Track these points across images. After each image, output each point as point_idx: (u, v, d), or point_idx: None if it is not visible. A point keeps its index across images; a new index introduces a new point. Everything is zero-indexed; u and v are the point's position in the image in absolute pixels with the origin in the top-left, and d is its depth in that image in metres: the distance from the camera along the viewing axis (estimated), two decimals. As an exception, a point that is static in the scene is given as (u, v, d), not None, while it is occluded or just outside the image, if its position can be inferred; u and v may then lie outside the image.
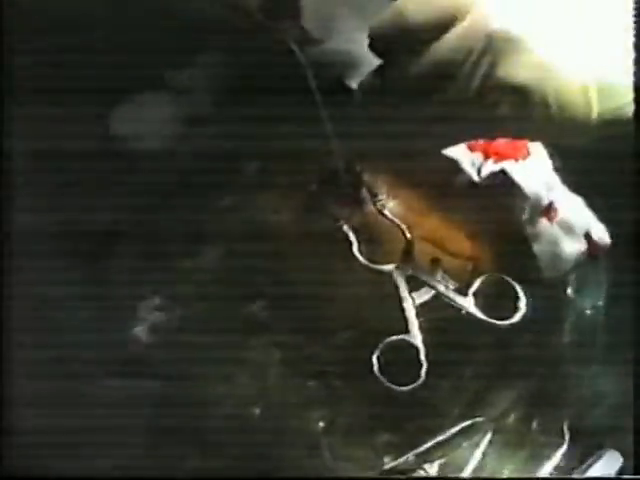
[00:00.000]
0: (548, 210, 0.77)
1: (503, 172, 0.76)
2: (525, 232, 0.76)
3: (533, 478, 0.77)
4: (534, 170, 0.77)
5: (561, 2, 0.60)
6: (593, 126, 0.59)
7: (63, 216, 0.76)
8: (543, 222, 0.77)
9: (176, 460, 0.72)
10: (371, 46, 0.63)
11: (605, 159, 0.78)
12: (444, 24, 0.60)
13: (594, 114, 0.59)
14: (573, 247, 0.78)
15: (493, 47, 0.58)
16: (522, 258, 0.76)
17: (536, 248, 0.76)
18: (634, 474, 0.69)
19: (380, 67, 0.64)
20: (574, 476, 0.76)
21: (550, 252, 0.77)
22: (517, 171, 0.76)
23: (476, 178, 0.76)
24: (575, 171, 0.79)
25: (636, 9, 0.60)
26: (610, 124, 0.60)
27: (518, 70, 0.58)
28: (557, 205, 0.77)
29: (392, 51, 0.62)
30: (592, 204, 0.79)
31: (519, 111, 0.59)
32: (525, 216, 0.76)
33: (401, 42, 0.61)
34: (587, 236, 0.78)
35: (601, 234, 0.78)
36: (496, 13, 0.59)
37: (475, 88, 0.59)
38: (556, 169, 0.79)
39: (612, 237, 0.79)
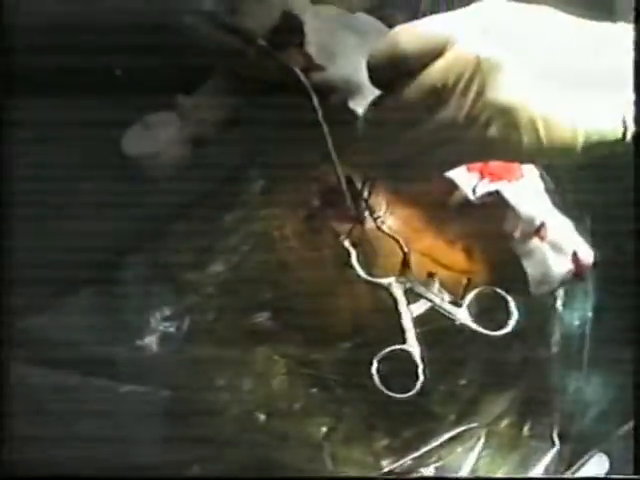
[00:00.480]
0: (539, 230, 0.79)
1: (497, 192, 0.78)
2: (516, 250, 0.78)
3: (528, 478, 0.80)
4: (527, 191, 0.79)
5: (546, 33, 0.62)
6: (580, 148, 0.61)
7: (73, 227, 0.78)
8: (534, 241, 0.79)
9: (181, 464, 0.75)
10: (370, 77, 0.65)
11: (594, 180, 0.81)
12: (435, 51, 0.62)
13: (581, 136, 0.61)
14: (561, 266, 0.79)
15: (482, 70, 0.60)
16: (513, 274, 0.79)
17: (526, 265, 0.79)
18: (634, 474, 0.70)
19: (379, 97, 0.66)
20: (567, 476, 0.79)
21: (539, 270, 0.79)
22: (510, 192, 0.78)
23: (471, 197, 0.78)
24: (564, 191, 0.82)
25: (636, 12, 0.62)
26: (597, 145, 0.61)
27: (506, 91, 0.60)
28: (548, 225, 0.79)
29: (389, 79, 0.64)
30: (579, 223, 0.81)
31: (508, 132, 0.61)
32: (517, 234, 0.78)
33: (396, 70, 0.63)
34: (574, 256, 0.80)
35: (587, 255, 0.80)
36: (484, 39, 0.61)
37: (466, 111, 0.61)
38: (547, 190, 0.82)
39: (600, 251, 0.81)
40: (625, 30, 0.62)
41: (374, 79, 0.65)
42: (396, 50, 0.62)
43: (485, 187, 0.78)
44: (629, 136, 0.60)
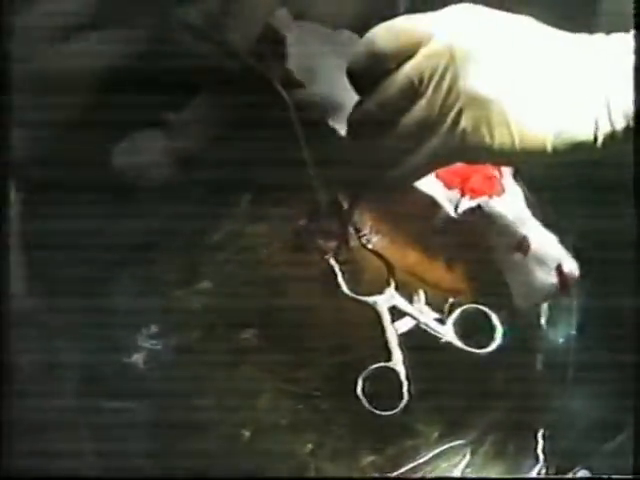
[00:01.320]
0: (522, 244, 0.79)
1: (479, 208, 0.79)
2: (499, 264, 0.79)
3: (527, 478, 0.80)
4: (508, 206, 0.80)
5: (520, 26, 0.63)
6: (552, 149, 0.62)
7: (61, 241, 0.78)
8: (517, 255, 0.79)
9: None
10: (350, 80, 0.67)
11: (578, 195, 0.82)
12: (412, 48, 0.63)
13: (552, 136, 0.61)
14: (545, 279, 0.80)
15: (455, 60, 0.62)
16: (497, 290, 0.79)
17: (509, 280, 0.79)
18: (634, 474, 0.71)
19: (358, 102, 0.68)
20: (567, 476, 0.80)
21: (523, 284, 0.79)
22: (492, 207, 0.79)
23: (454, 214, 0.79)
24: (546, 205, 0.83)
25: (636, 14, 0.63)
26: (569, 148, 0.62)
27: (478, 81, 0.61)
28: (530, 239, 0.79)
29: (368, 80, 0.66)
30: (561, 234, 0.81)
31: (479, 125, 0.61)
32: (499, 249, 0.79)
33: (375, 70, 0.65)
34: (558, 269, 0.80)
35: (571, 267, 0.80)
36: (458, 33, 0.62)
37: (439, 104, 0.62)
38: (530, 204, 0.82)
39: (583, 267, 0.81)
40: (601, 41, 0.63)
41: (354, 81, 0.66)
42: (374, 49, 0.64)
43: (467, 204, 0.79)
44: (600, 141, 0.61)
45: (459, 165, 0.77)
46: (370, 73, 0.65)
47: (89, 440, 0.74)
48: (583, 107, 0.61)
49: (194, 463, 0.75)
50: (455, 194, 0.80)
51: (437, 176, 0.79)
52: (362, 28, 0.68)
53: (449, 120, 0.62)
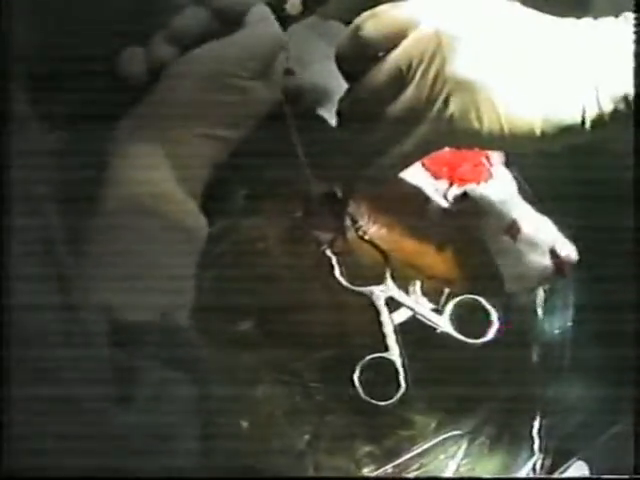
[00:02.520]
0: (511, 228, 0.80)
1: (466, 195, 0.79)
2: (490, 249, 0.80)
3: (519, 478, 0.81)
4: (497, 191, 0.80)
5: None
6: (540, 133, 0.62)
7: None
8: (506, 239, 0.80)
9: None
10: (339, 67, 0.67)
11: (572, 179, 0.83)
12: (399, 34, 0.64)
13: (539, 120, 0.62)
14: (537, 263, 0.80)
15: (442, 45, 0.62)
16: (493, 278, 0.80)
17: (500, 264, 0.80)
18: (634, 474, 0.71)
19: (347, 90, 0.68)
20: (556, 476, 0.80)
21: (514, 268, 0.80)
22: (480, 193, 0.80)
23: (444, 204, 0.80)
24: (541, 192, 0.83)
25: (636, 11, 0.62)
26: (557, 132, 0.62)
27: (465, 66, 0.62)
28: (520, 223, 0.80)
29: (356, 67, 0.66)
30: (560, 221, 0.82)
31: (467, 110, 0.62)
32: (488, 234, 0.79)
33: (362, 57, 0.65)
34: (553, 252, 0.80)
35: (567, 251, 0.80)
36: (445, 18, 0.63)
37: (427, 90, 0.63)
38: (522, 189, 0.83)
39: (580, 258, 0.81)
40: (589, 25, 0.63)
41: (343, 69, 0.67)
42: (361, 36, 0.65)
43: (454, 192, 0.79)
44: (588, 125, 0.61)
45: (447, 155, 0.78)
46: (358, 60, 0.66)
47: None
48: (570, 91, 0.61)
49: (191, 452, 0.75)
50: (444, 184, 0.80)
51: (425, 167, 0.80)
52: (353, 19, 0.68)
53: (437, 106, 0.63)
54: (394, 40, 0.64)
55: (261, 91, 0.66)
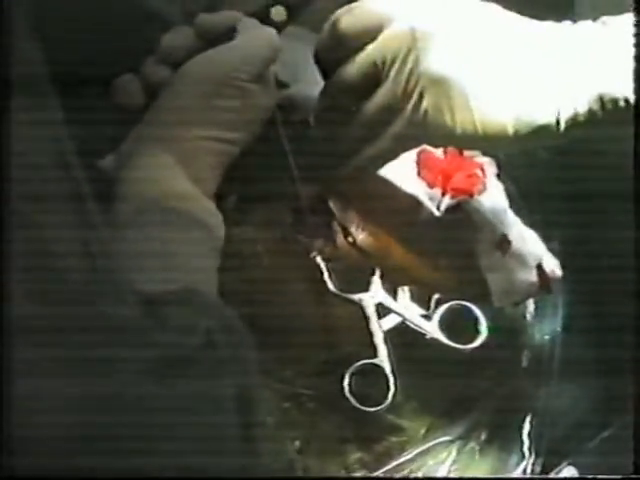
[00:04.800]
0: (502, 243, 0.79)
1: (460, 207, 0.79)
2: (480, 263, 0.79)
3: (513, 478, 0.81)
4: (489, 204, 0.79)
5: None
6: (512, 132, 0.61)
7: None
8: (496, 254, 0.79)
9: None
10: (316, 62, 0.67)
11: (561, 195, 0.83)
12: (374, 30, 0.63)
13: (513, 119, 0.61)
14: (524, 278, 0.79)
15: (417, 43, 0.61)
16: (478, 287, 0.79)
17: (489, 278, 0.79)
18: (634, 474, 0.71)
19: (324, 86, 0.68)
20: (551, 475, 0.80)
21: (503, 283, 0.79)
22: (472, 205, 0.79)
23: (436, 213, 0.80)
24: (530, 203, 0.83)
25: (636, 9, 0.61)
26: (530, 133, 0.61)
27: (439, 62, 0.61)
28: (510, 238, 0.79)
29: (332, 62, 0.66)
30: (546, 235, 0.82)
31: (441, 106, 0.61)
32: (479, 247, 0.79)
33: (338, 52, 0.65)
34: (539, 268, 0.80)
35: (553, 266, 0.80)
36: (420, 15, 0.62)
37: (402, 87, 0.62)
38: (513, 203, 0.83)
39: (567, 264, 0.81)
40: (567, 28, 0.63)
41: (320, 64, 0.67)
42: (336, 31, 0.65)
43: (448, 202, 0.79)
44: (562, 126, 0.62)
45: (442, 164, 0.78)
46: (334, 56, 0.66)
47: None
48: (545, 91, 0.61)
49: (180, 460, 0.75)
50: (437, 193, 0.80)
51: (419, 175, 0.80)
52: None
53: (412, 103, 0.62)
54: (369, 35, 0.64)
55: (260, 95, 0.66)
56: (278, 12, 0.68)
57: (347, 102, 0.66)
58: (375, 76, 0.64)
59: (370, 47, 0.64)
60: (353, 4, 0.65)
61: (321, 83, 0.69)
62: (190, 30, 0.66)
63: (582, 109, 0.60)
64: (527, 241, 0.80)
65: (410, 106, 0.63)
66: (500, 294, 0.79)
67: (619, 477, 0.72)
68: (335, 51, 0.66)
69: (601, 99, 0.60)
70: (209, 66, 0.64)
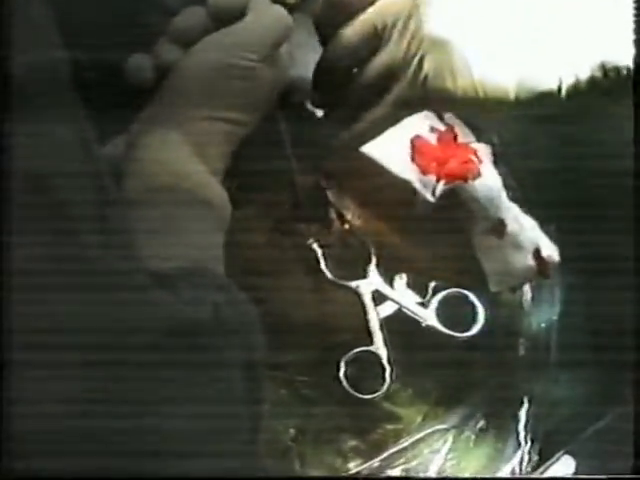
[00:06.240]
0: (497, 228, 0.79)
1: (454, 192, 0.79)
2: (475, 247, 0.79)
3: (510, 478, 0.81)
4: (484, 190, 0.80)
5: None
6: (514, 96, 0.61)
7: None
8: (492, 238, 0.79)
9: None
10: (315, 27, 0.67)
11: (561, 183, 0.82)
12: None
13: (514, 84, 0.61)
14: (521, 263, 0.80)
15: (419, 9, 0.62)
16: (474, 271, 0.80)
17: (484, 263, 0.79)
18: (634, 474, 0.71)
19: (323, 53, 0.67)
20: (545, 475, 0.80)
21: (498, 267, 0.79)
22: (467, 191, 0.79)
23: (431, 199, 0.79)
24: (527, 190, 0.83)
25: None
26: (531, 97, 0.61)
27: (441, 25, 0.61)
28: (506, 223, 0.80)
29: (331, 29, 0.66)
30: (543, 221, 0.82)
31: (442, 69, 0.61)
32: (475, 232, 0.79)
33: (338, 15, 0.65)
34: (536, 253, 0.80)
35: (550, 252, 0.80)
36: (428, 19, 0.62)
37: (404, 51, 0.62)
38: (509, 189, 0.83)
39: (565, 252, 0.81)
40: None
41: (319, 28, 0.67)
42: None
43: (442, 188, 0.79)
44: (564, 96, 0.61)
45: (436, 150, 0.78)
46: (333, 21, 0.66)
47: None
48: (547, 57, 0.61)
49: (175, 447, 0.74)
50: (431, 179, 0.80)
51: (413, 162, 0.80)
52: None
53: (412, 68, 0.62)
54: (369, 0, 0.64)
55: (270, 75, 0.65)
56: None
57: (346, 66, 0.66)
58: (375, 40, 0.64)
59: (370, 10, 0.64)
60: None
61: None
62: (202, 10, 0.66)
63: (584, 76, 0.60)
64: (524, 226, 0.80)
65: (411, 71, 0.62)
66: (496, 278, 0.79)
67: (619, 477, 0.72)
68: (333, 16, 0.65)
69: (603, 67, 0.59)
70: (219, 48, 0.64)
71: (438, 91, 0.62)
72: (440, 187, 0.79)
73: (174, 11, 0.67)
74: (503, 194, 0.80)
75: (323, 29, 0.67)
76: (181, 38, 0.65)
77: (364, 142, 0.70)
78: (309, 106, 0.73)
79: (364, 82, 0.65)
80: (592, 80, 0.60)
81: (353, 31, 0.65)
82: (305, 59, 0.73)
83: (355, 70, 0.66)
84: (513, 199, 0.81)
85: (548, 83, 0.61)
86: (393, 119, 0.68)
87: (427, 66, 0.62)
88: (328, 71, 0.68)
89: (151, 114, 0.64)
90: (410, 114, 0.69)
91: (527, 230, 0.80)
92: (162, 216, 0.61)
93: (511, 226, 0.80)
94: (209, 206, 0.63)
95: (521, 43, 0.61)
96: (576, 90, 0.61)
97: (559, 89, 0.61)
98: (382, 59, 0.64)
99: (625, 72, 0.59)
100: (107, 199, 0.53)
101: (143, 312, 0.52)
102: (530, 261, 0.80)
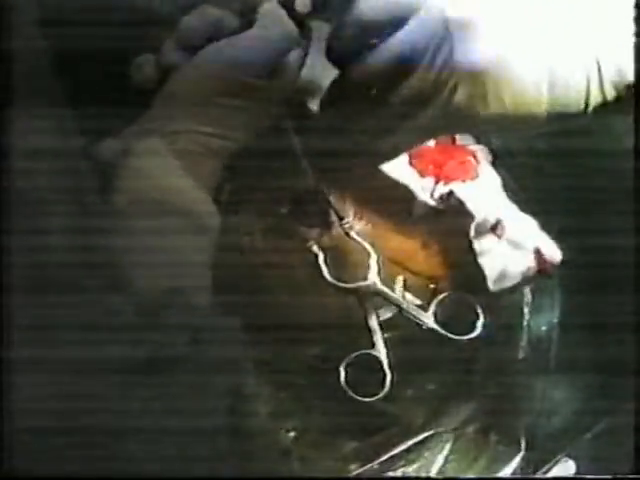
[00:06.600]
0: (496, 227, 0.80)
1: (452, 193, 0.79)
2: (474, 248, 0.79)
3: (510, 478, 0.80)
4: (482, 190, 0.80)
5: None
6: (544, 119, 0.62)
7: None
8: (491, 238, 0.79)
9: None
10: (330, 50, 0.65)
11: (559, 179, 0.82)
12: (401, 18, 0.62)
13: (545, 106, 0.61)
14: (521, 263, 0.80)
15: (450, 31, 0.61)
16: (473, 272, 0.79)
17: (483, 263, 0.79)
18: (634, 474, 0.71)
19: (339, 76, 0.66)
20: (547, 476, 0.80)
21: (497, 267, 0.79)
22: (465, 191, 0.79)
23: (431, 202, 0.80)
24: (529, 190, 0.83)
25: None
26: (562, 118, 0.62)
27: (474, 56, 0.61)
28: (505, 222, 0.80)
29: (351, 53, 0.64)
30: (545, 222, 0.82)
31: (474, 98, 0.61)
32: (472, 232, 0.79)
33: (360, 42, 0.63)
34: (537, 253, 0.80)
35: (551, 252, 0.80)
36: (451, 3, 0.61)
37: (434, 75, 0.61)
38: (509, 189, 0.83)
39: (565, 254, 0.81)
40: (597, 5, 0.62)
41: (336, 52, 0.65)
42: (359, 19, 0.62)
43: (440, 190, 0.79)
44: (590, 109, 0.61)
45: (433, 153, 0.79)
46: (354, 43, 0.64)
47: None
48: (575, 73, 0.61)
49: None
50: (429, 182, 0.80)
51: (411, 165, 0.80)
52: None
53: (444, 95, 0.62)
54: (395, 22, 0.62)
55: (271, 90, 0.64)
56: (303, 3, 0.65)
57: (367, 91, 0.64)
58: (403, 66, 0.62)
59: (398, 34, 0.62)
60: None
61: (316, 64, 0.67)
62: (211, 11, 0.65)
63: (610, 94, 0.60)
64: (523, 226, 0.80)
65: (443, 97, 0.62)
66: (495, 278, 0.79)
67: (618, 477, 0.72)
68: (356, 39, 0.63)
69: (628, 87, 0.60)
70: (218, 60, 0.62)
71: (469, 117, 0.62)
72: (439, 189, 0.79)
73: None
74: (502, 193, 0.80)
75: (340, 51, 0.65)
76: (186, 41, 0.64)
77: (383, 162, 0.70)
78: (310, 106, 0.72)
79: (391, 107, 0.64)
80: (617, 98, 0.60)
81: (379, 57, 0.63)
82: (308, 61, 0.73)
83: (374, 91, 0.64)
84: (513, 200, 0.82)
85: (575, 103, 0.61)
86: (417, 142, 0.68)
87: (460, 94, 0.61)
88: (345, 96, 0.66)
89: (147, 119, 0.63)
90: (433, 138, 0.68)
91: (527, 230, 0.81)
92: (146, 233, 0.60)
93: (510, 226, 0.80)
94: (197, 222, 0.62)
95: (551, 62, 0.61)
96: (602, 108, 0.61)
97: (586, 106, 0.61)
98: (411, 86, 0.62)
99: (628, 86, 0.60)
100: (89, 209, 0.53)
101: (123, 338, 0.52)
102: (530, 261, 0.80)
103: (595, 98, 0.61)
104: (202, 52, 0.63)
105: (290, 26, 0.65)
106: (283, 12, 0.65)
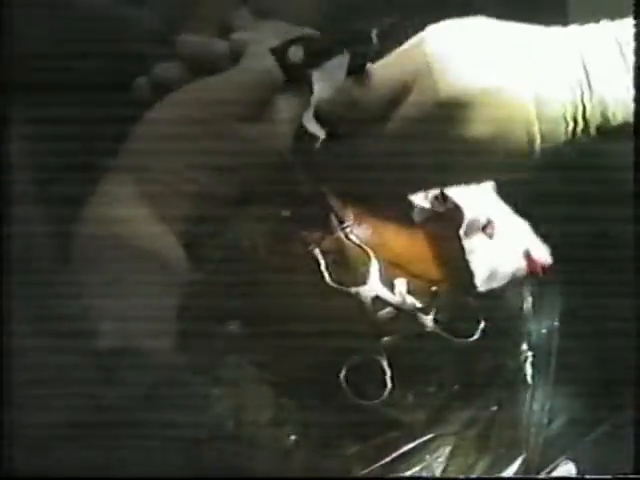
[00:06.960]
0: (486, 227, 0.80)
1: (443, 195, 0.80)
2: (463, 247, 0.80)
3: (511, 478, 0.80)
4: (472, 190, 0.80)
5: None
6: (537, 157, 0.62)
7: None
8: (480, 238, 0.80)
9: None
10: (318, 119, 0.64)
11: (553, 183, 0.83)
12: (393, 100, 0.62)
13: (537, 145, 0.61)
14: (510, 263, 0.81)
15: (445, 113, 0.60)
16: (465, 273, 0.80)
17: (472, 262, 0.79)
18: (634, 474, 0.71)
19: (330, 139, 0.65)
20: (550, 475, 0.80)
21: (486, 267, 0.80)
22: (456, 192, 0.80)
23: (426, 205, 0.80)
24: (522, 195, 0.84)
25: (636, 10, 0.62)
26: (554, 154, 0.62)
27: (472, 128, 0.61)
28: (495, 223, 0.81)
29: (340, 126, 0.64)
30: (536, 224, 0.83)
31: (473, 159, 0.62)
32: (462, 232, 0.79)
33: (350, 119, 0.64)
34: (527, 254, 0.81)
35: (541, 254, 0.81)
36: (443, 79, 0.60)
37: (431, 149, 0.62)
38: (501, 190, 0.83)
39: (564, 256, 0.82)
40: (575, 33, 0.63)
41: (320, 119, 0.64)
42: (349, 99, 0.63)
43: (435, 192, 0.80)
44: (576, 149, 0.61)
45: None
46: (343, 120, 0.64)
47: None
48: (561, 109, 0.61)
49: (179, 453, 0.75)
50: None
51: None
52: (325, 26, 0.67)
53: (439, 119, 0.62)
54: (388, 104, 0.62)
55: (262, 137, 0.62)
56: (296, 53, 0.64)
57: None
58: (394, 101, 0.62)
59: (393, 117, 0.62)
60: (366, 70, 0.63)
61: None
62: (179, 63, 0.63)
63: (593, 125, 0.60)
64: (514, 228, 0.81)
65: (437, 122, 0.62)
66: (483, 277, 0.79)
67: (618, 477, 0.71)
68: (345, 117, 0.64)
69: (614, 114, 0.60)
70: (196, 100, 0.60)
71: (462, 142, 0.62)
72: (432, 193, 0.80)
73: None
74: (494, 196, 0.81)
75: (325, 118, 0.65)
76: (160, 85, 0.63)
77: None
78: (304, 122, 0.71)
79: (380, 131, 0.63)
80: (600, 128, 0.61)
81: (373, 139, 0.63)
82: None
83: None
84: (506, 201, 0.82)
85: (564, 136, 0.61)
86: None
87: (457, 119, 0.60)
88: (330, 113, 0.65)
89: (124, 154, 0.60)
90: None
91: (518, 231, 0.81)
92: (109, 281, 0.57)
93: (501, 226, 0.80)
94: (164, 268, 0.59)
95: (536, 93, 0.61)
96: (586, 141, 0.62)
97: (573, 136, 0.61)
98: (407, 110, 0.62)
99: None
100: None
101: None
102: (520, 262, 0.80)
103: (580, 135, 0.61)
104: (179, 91, 0.60)
105: (272, 68, 0.62)
106: (268, 52, 0.63)
